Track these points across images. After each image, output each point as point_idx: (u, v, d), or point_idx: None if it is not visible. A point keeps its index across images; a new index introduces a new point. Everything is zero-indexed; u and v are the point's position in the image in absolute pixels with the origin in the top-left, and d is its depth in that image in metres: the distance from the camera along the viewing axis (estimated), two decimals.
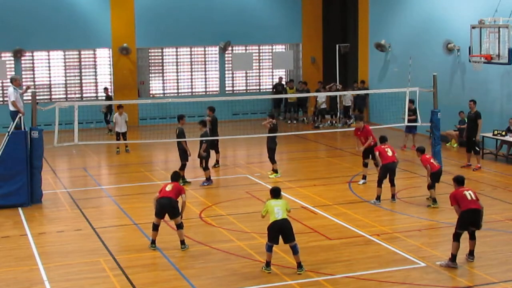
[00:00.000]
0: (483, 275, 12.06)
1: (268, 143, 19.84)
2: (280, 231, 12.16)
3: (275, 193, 12.58)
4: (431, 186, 16.51)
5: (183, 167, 18.94)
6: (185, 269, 12.56)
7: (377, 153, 17.03)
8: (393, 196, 17.00)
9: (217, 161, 21.17)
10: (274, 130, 19.73)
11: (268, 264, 12.36)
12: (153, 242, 13.73)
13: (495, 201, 17.03)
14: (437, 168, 16.68)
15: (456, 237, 12.49)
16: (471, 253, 12.82)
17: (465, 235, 12.64)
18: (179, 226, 13.59)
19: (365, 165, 18.86)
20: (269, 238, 12.24)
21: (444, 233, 14.36)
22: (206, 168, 18.97)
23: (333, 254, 13.31)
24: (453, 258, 12.48)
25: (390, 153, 16.89)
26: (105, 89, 28.34)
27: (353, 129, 19.39)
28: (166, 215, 13.64)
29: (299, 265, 12.27)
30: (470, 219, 12.52)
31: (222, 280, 12.10)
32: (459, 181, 12.98)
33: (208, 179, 19.02)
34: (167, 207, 13.44)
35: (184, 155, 18.92)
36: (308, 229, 14.81)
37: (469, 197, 12.61)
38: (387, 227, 15.00)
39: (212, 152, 20.09)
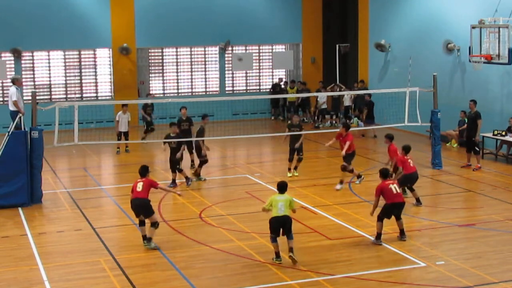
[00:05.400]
0: (483, 275, 12.05)
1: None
2: (281, 226, 12.57)
3: (281, 187, 12.91)
4: (402, 183, 15.91)
5: (201, 164, 19.29)
6: (185, 269, 12.55)
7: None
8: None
9: (193, 162, 20.83)
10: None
11: (277, 254, 12.69)
12: (144, 237, 13.79)
13: (495, 201, 17.02)
14: (413, 170, 16.35)
15: (380, 220, 13.63)
16: (402, 233, 13.81)
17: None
18: (153, 225, 13.61)
19: (344, 168, 18.44)
20: (271, 230, 12.64)
21: (444, 233, 14.35)
22: (179, 170, 18.62)
23: (333, 254, 13.31)
24: (378, 236, 13.65)
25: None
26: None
27: (354, 129, 19.32)
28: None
29: (291, 250, 12.61)
30: (394, 211, 13.65)
31: (222, 280, 12.11)
32: (384, 174, 13.86)
33: (187, 179, 18.74)
34: (139, 207, 13.57)
35: (200, 152, 19.23)
36: (308, 229, 14.82)
37: (394, 191, 13.50)
38: (387, 227, 14.93)
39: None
